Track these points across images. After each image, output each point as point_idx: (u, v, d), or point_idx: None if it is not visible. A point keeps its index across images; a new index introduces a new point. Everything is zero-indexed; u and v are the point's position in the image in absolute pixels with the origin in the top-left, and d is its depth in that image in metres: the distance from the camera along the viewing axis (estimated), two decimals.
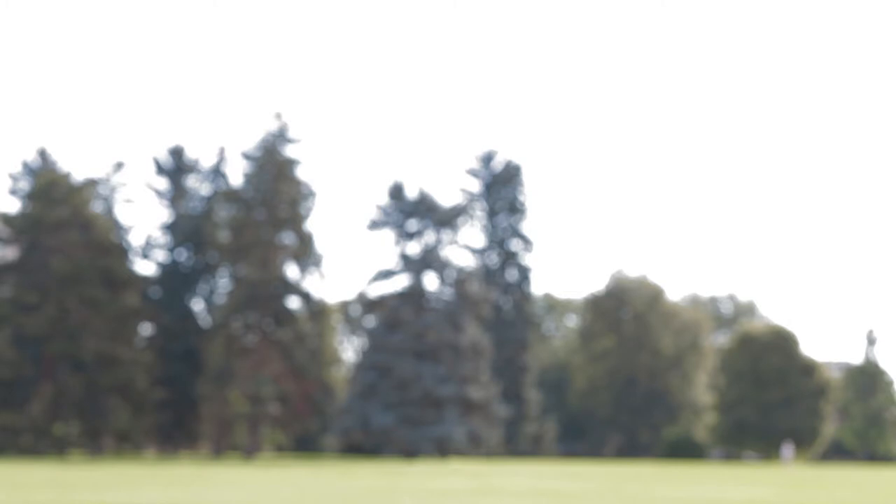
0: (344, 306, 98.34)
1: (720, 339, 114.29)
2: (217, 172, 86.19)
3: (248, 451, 78.32)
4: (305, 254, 79.77)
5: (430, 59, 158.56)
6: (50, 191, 76.34)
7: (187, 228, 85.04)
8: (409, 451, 78.94)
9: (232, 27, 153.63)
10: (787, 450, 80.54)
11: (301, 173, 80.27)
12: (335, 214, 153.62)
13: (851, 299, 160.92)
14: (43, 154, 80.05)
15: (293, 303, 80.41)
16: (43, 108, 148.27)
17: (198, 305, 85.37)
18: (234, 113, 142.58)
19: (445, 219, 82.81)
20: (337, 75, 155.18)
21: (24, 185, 78.47)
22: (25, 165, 79.45)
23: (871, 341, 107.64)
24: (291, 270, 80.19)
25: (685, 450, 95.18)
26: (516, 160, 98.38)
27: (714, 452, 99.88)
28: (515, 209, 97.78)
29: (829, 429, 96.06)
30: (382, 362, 79.74)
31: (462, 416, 79.94)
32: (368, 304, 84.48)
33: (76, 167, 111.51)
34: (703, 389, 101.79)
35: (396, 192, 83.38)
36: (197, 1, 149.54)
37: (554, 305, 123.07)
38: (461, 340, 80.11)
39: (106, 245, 77.54)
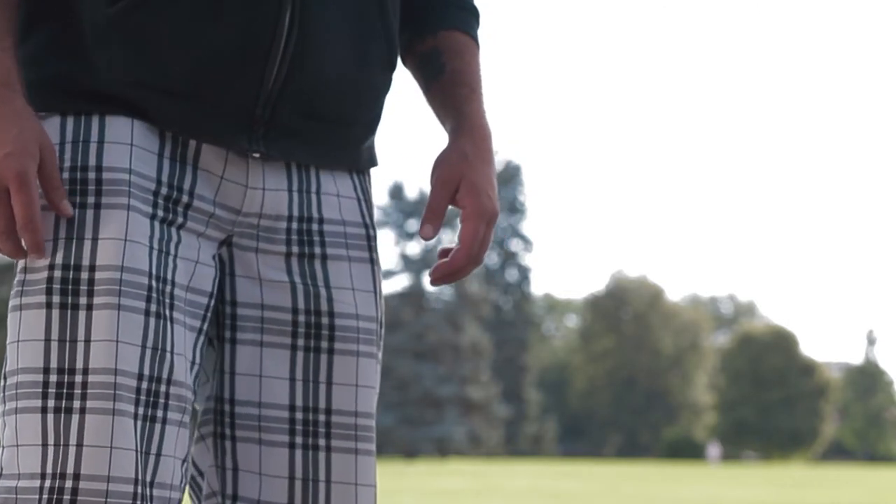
0: None
1: (720, 339, 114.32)
2: None
3: None
4: None
5: None
6: None
7: None
8: (409, 451, 79.02)
9: None
10: (713, 449, 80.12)
11: None
12: None
13: (851, 299, 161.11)
14: None
15: None
16: None
17: None
18: None
19: (445, 219, 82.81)
20: None
21: None
22: None
23: (871, 341, 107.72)
24: None
25: (685, 450, 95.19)
26: (516, 160, 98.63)
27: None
28: (515, 209, 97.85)
29: (829, 429, 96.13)
30: (382, 362, 79.74)
31: (462, 417, 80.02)
32: None
33: None
34: (703, 389, 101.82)
35: (396, 192, 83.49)
36: None
37: (554, 305, 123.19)
38: (461, 340, 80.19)
39: None
